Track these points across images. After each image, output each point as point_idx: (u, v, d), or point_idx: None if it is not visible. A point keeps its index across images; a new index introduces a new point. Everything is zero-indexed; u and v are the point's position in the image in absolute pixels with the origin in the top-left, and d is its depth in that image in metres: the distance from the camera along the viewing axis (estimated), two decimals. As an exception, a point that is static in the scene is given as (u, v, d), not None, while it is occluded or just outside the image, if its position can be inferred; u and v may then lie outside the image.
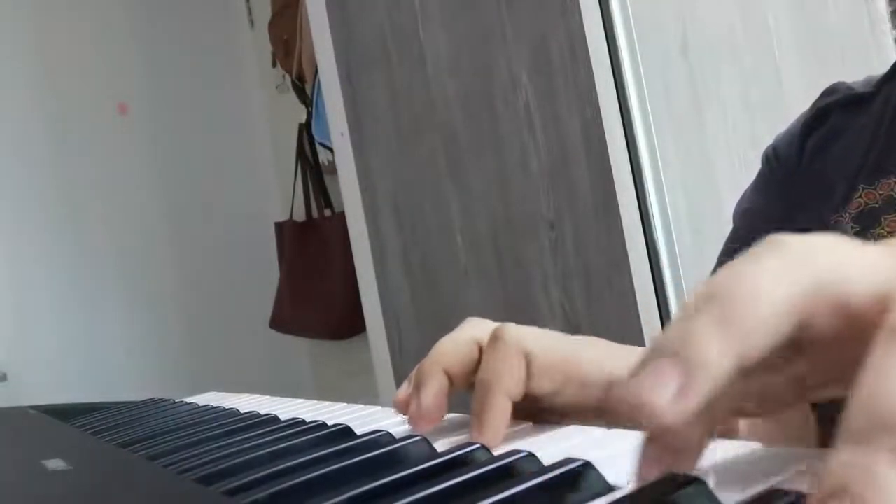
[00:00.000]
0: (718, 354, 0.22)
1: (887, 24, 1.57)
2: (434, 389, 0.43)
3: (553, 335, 0.45)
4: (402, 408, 0.44)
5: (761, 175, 0.72)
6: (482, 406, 0.41)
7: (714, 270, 0.73)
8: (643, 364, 0.22)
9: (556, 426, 0.41)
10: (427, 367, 0.44)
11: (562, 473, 0.30)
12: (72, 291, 2.63)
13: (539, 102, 1.55)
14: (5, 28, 2.59)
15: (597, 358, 0.44)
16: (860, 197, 0.62)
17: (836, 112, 0.68)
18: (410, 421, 0.43)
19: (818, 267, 0.24)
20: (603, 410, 0.43)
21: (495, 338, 0.43)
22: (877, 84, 0.67)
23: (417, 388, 0.43)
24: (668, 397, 0.21)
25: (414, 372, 0.46)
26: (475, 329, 0.46)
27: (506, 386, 0.41)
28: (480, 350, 0.44)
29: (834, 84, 0.71)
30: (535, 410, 0.44)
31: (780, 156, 0.70)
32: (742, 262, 0.24)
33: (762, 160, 0.72)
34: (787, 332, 0.23)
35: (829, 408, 0.61)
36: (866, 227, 0.60)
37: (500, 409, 0.40)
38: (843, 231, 0.61)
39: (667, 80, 1.44)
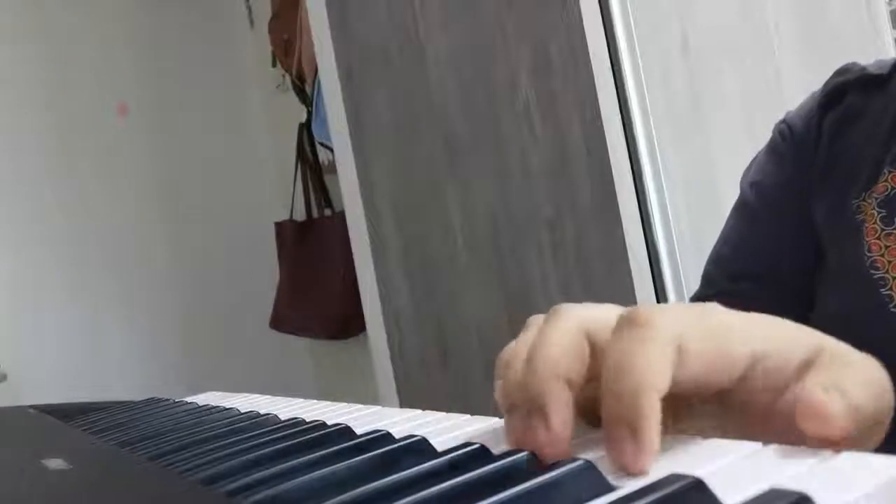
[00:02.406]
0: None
1: (887, 24, 1.57)
2: (563, 411, 0.32)
3: (689, 308, 0.34)
4: (521, 440, 0.33)
5: (774, 148, 0.69)
6: (630, 410, 0.30)
7: (719, 244, 0.70)
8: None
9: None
10: (540, 379, 0.33)
11: (562, 473, 0.30)
12: (72, 291, 2.63)
13: (539, 102, 1.55)
14: (6, 28, 2.59)
15: (747, 335, 0.34)
16: (886, 181, 0.60)
17: (853, 91, 0.66)
18: (539, 452, 0.32)
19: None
20: (730, 399, 0.34)
21: (630, 321, 0.32)
22: (893, 66, 0.65)
23: (539, 409, 0.32)
24: None
25: (509, 388, 0.35)
26: (578, 318, 0.34)
27: (656, 386, 0.31)
28: (592, 347, 0.34)
29: (846, 64, 0.69)
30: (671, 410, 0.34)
31: (796, 133, 0.68)
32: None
33: (774, 133, 0.70)
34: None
35: None
36: (893, 213, 0.58)
37: (656, 418, 0.30)
38: (868, 217, 0.59)
39: (667, 80, 1.44)
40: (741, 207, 0.70)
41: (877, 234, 0.58)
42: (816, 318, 0.61)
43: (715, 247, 0.70)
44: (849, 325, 0.58)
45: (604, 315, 0.34)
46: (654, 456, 0.30)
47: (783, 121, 0.70)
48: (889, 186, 0.59)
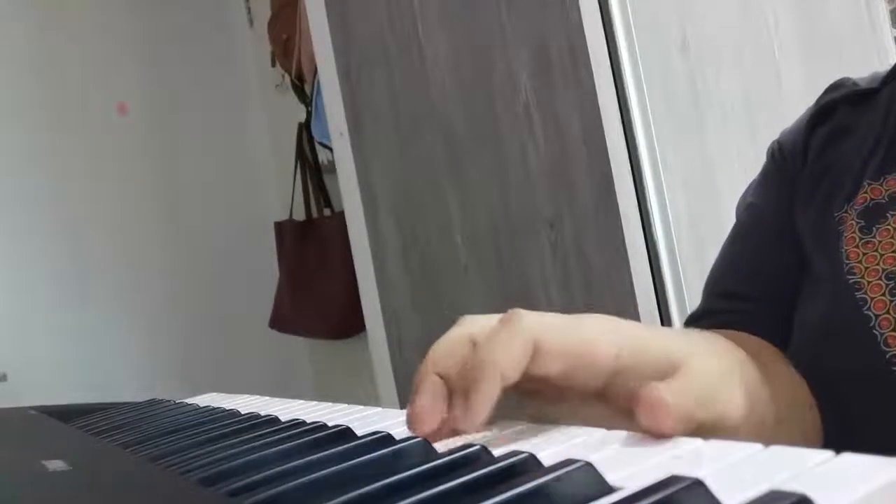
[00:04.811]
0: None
1: (887, 24, 1.57)
2: (426, 394, 0.42)
3: (566, 317, 0.44)
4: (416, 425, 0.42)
5: (766, 171, 0.71)
6: (472, 385, 0.39)
7: (716, 264, 0.72)
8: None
9: (555, 426, 0.41)
10: (421, 372, 0.43)
11: (562, 474, 0.30)
12: (72, 292, 2.63)
13: (539, 102, 1.55)
14: (5, 28, 2.59)
15: (613, 342, 0.42)
16: (865, 192, 0.61)
17: (843, 108, 0.67)
18: (408, 426, 0.41)
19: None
20: (605, 395, 0.43)
21: (504, 320, 0.42)
22: (882, 80, 0.66)
23: (414, 394, 0.42)
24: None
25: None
26: (470, 326, 0.45)
27: (501, 366, 0.40)
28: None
29: (839, 80, 0.70)
30: (538, 389, 0.43)
31: (785, 152, 0.69)
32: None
33: (767, 155, 0.72)
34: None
35: (832, 410, 0.60)
36: (871, 224, 0.60)
37: (490, 390, 0.39)
38: (848, 227, 0.61)
39: (667, 80, 1.44)
40: (736, 229, 0.72)
41: (855, 243, 0.60)
42: (797, 324, 0.62)
43: (713, 266, 0.72)
44: (825, 328, 0.59)
45: (492, 323, 0.43)
46: (479, 418, 0.38)
47: (776, 140, 0.72)
48: (868, 198, 0.61)
